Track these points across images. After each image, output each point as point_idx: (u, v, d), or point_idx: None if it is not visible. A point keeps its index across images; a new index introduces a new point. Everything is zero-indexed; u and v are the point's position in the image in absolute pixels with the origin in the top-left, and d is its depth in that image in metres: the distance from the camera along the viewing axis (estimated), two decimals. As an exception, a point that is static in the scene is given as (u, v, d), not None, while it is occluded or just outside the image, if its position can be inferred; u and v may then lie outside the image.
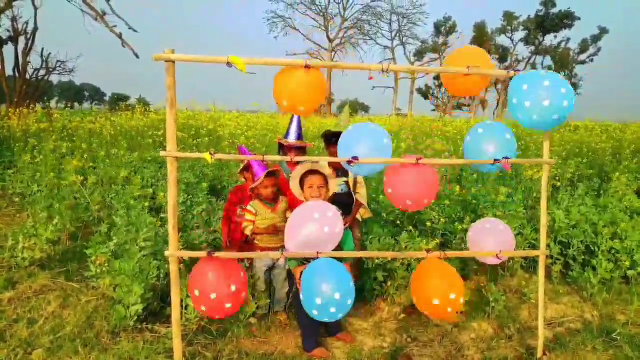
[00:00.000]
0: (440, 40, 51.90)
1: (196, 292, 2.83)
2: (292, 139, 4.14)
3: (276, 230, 3.77)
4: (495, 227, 3.26)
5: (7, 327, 3.47)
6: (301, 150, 4.18)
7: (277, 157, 3.42)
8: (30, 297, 3.96)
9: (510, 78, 3.05)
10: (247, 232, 3.75)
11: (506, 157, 3.09)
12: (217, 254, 2.89)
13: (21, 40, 16.82)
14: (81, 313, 3.69)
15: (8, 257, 4.55)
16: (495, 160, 3.08)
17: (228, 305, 2.82)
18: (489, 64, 3.12)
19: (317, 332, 3.53)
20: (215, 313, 2.87)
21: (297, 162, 4.18)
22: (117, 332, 3.47)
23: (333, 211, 2.87)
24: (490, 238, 3.19)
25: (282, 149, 4.22)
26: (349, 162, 2.92)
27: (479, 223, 3.35)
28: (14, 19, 16.55)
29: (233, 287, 2.81)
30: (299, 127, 4.20)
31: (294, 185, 3.42)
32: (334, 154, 3.99)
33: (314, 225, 2.82)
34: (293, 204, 4.03)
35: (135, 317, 3.51)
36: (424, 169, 2.99)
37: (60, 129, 10.08)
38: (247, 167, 3.97)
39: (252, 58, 2.83)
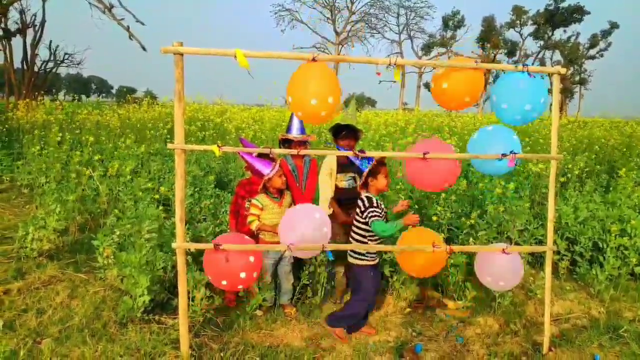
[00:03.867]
0: (449, 34, 51.51)
1: (210, 278, 3.07)
2: (295, 133, 4.13)
3: None
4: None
5: (16, 317, 3.51)
6: (304, 143, 4.18)
7: (285, 151, 3.42)
8: (39, 288, 4.00)
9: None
10: (253, 227, 3.75)
11: (513, 152, 3.08)
12: (223, 246, 2.90)
13: (29, 33, 16.90)
14: (89, 304, 3.72)
15: (17, 248, 4.60)
16: (502, 155, 3.07)
17: (240, 286, 3.05)
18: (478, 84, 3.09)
19: (356, 325, 3.64)
20: (231, 291, 3.34)
21: (303, 156, 4.20)
22: (124, 323, 3.50)
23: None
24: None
25: (285, 144, 4.20)
26: (356, 155, 2.92)
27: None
28: (22, 12, 16.62)
29: (243, 275, 2.95)
30: (301, 120, 4.18)
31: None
32: (343, 147, 3.99)
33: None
34: (297, 198, 4.04)
35: (143, 309, 3.54)
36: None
37: (68, 122, 10.12)
38: (248, 167, 3.97)
39: (257, 52, 2.82)
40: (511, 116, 3.11)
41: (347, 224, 4.08)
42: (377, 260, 3.60)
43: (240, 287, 3.05)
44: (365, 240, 3.53)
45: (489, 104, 3.42)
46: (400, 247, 3.26)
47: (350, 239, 3.61)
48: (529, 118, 3.09)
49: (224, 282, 2.98)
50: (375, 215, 3.40)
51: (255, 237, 3.86)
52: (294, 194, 4.06)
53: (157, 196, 5.49)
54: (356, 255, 3.56)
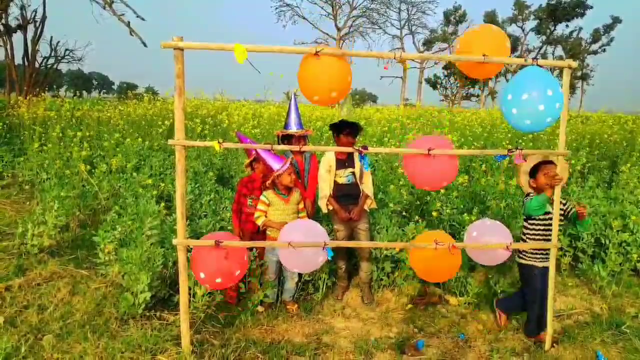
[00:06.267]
0: (450, 29, 51.29)
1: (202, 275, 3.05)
2: (294, 128, 4.12)
3: None
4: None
5: (17, 314, 3.51)
6: (304, 138, 4.18)
7: (286, 147, 3.41)
8: (41, 284, 4.00)
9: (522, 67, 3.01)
10: (259, 222, 3.74)
11: (519, 148, 3.08)
12: (225, 243, 2.89)
13: (30, 29, 16.78)
14: (90, 300, 3.72)
15: (18, 244, 4.60)
16: (509, 150, 3.06)
17: (218, 280, 3.04)
18: (505, 48, 3.04)
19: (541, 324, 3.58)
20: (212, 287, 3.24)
21: (303, 152, 4.18)
22: (125, 320, 3.50)
23: None
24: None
25: (284, 140, 4.18)
26: (359, 151, 2.90)
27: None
28: (23, 8, 16.51)
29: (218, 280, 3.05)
30: (299, 115, 4.19)
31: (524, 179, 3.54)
32: (344, 144, 3.97)
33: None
34: (304, 195, 4.04)
35: (144, 305, 3.54)
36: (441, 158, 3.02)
37: (69, 118, 10.10)
38: (257, 159, 3.94)
39: (258, 46, 2.80)
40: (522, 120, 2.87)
41: (348, 220, 4.07)
42: (542, 262, 3.43)
43: (217, 280, 3.06)
44: (524, 237, 3.53)
45: (489, 100, 3.40)
46: (401, 244, 3.25)
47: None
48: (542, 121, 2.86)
49: (218, 280, 3.02)
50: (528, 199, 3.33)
51: (261, 233, 3.86)
52: (302, 192, 4.05)
53: (155, 192, 5.48)
54: (519, 254, 3.56)
